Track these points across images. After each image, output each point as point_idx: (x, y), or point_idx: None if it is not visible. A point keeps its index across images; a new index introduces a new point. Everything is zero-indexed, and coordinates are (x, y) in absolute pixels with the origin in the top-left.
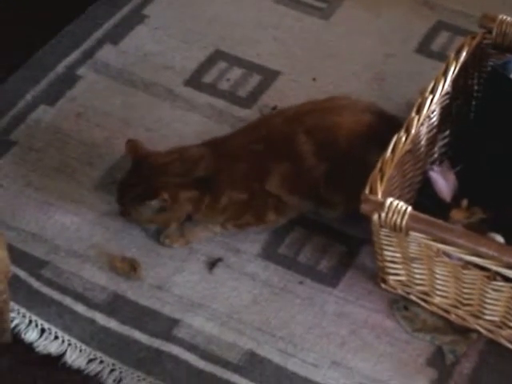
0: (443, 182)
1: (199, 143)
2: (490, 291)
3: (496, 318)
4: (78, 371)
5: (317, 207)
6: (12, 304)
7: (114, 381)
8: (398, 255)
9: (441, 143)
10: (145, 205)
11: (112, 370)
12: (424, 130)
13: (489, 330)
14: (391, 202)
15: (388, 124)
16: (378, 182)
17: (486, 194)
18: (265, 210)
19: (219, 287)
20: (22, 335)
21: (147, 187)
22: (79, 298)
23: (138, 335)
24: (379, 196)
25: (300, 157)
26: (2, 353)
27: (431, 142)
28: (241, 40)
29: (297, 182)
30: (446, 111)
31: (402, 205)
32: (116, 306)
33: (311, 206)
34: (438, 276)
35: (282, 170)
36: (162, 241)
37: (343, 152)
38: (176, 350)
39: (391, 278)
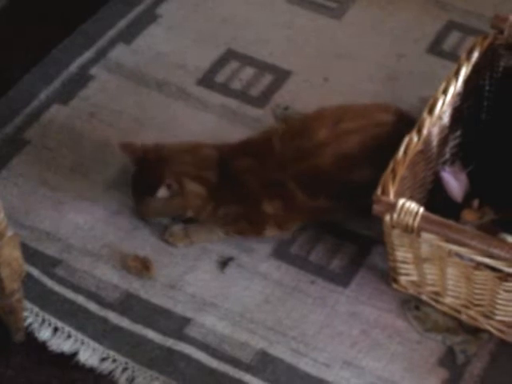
0: (455, 183)
1: (211, 145)
2: (501, 292)
3: (507, 319)
4: (91, 370)
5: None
6: (25, 303)
7: (127, 380)
8: (409, 256)
9: (452, 144)
10: (153, 197)
11: (125, 369)
12: (436, 130)
13: (500, 331)
14: (403, 203)
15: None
16: (390, 183)
17: (497, 194)
18: (263, 224)
19: (231, 286)
20: (36, 334)
21: (152, 179)
22: (92, 296)
23: (150, 334)
24: (391, 197)
25: (292, 196)
26: (16, 351)
27: (443, 142)
28: (253, 40)
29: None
30: (457, 112)
31: (413, 205)
32: (128, 304)
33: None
34: (449, 276)
35: (276, 206)
36: (167, 238)
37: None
38: (188, 349)
39: (403, 278)
